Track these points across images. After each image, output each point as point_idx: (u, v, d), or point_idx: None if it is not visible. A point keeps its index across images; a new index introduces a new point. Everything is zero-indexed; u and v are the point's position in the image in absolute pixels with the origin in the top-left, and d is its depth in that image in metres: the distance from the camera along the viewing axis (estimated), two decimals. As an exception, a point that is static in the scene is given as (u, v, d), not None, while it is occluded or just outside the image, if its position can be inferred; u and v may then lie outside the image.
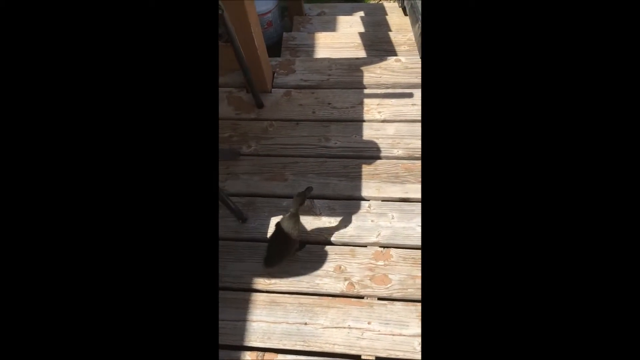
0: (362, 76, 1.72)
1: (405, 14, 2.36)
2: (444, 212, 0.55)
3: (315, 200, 1.44)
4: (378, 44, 2.06)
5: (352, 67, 1.76)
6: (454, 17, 0.55)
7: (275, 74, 1.77)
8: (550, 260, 0.52)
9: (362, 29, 2.32)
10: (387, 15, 2.45)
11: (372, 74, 1.73)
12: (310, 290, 1.27)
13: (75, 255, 0.52)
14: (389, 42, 2.06)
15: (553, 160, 0.52)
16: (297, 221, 1.27)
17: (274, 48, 2.24)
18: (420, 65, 1.75)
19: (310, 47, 2.09)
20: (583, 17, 0.52)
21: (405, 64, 1.74)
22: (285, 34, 2.16)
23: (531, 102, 0.53)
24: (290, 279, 1.29)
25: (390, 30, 2.26)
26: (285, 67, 1.78)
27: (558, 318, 0.51)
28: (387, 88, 1.69)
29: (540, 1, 0.53)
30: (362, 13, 2.57)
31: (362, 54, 2.03)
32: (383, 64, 1.75)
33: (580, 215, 0.51)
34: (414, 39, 2.01)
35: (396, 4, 2.56)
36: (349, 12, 2.58)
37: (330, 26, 2.36)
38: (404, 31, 2.24)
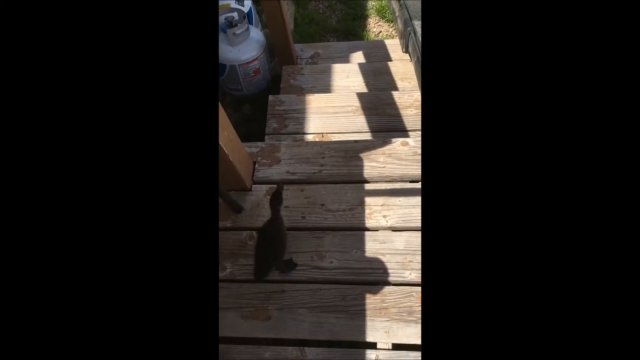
0: (361, 166, 1.40)
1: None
2: None
3: (307, 349, 1.13)
4: (380, 107, 1.74)
5: (350, 154, 1.43)
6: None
7: (256, 165, 1.46)
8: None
9: (360, 80, 2.01)
10: (390, 59, 2.13)
11: (374, 163, 1.40)
12: None
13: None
14: (392, 104, 1.74)
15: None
16: (281, 225, 1.18)
17: (263, 95, 1.98)
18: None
19: (300, 113, 1.77)
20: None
21: (414, 148, 1.41)
22: (271, 98, 1.84)
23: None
24: None
25: (395, 84, 1.94)
26: (268, 156, 1.47)
27: None
28: (394, 182, 1.37)
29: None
30: (360, 54, 2.25)
31: (360, 120, 1.71)
32: (387, 148, 1.42)
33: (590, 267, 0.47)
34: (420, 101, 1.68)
35: (398, 41, 2.23)
36: (346, 53, 2.26)
37: (325, 77, 2.05)
38: (409, 80, 1.93)
